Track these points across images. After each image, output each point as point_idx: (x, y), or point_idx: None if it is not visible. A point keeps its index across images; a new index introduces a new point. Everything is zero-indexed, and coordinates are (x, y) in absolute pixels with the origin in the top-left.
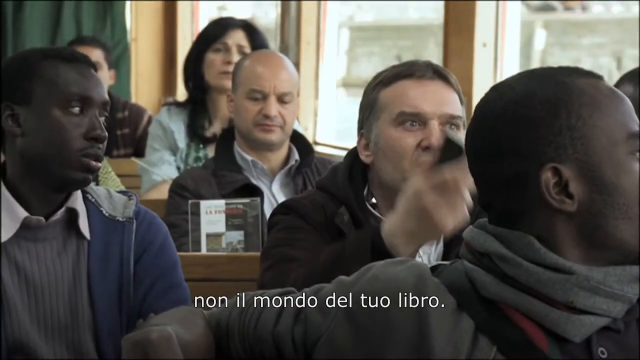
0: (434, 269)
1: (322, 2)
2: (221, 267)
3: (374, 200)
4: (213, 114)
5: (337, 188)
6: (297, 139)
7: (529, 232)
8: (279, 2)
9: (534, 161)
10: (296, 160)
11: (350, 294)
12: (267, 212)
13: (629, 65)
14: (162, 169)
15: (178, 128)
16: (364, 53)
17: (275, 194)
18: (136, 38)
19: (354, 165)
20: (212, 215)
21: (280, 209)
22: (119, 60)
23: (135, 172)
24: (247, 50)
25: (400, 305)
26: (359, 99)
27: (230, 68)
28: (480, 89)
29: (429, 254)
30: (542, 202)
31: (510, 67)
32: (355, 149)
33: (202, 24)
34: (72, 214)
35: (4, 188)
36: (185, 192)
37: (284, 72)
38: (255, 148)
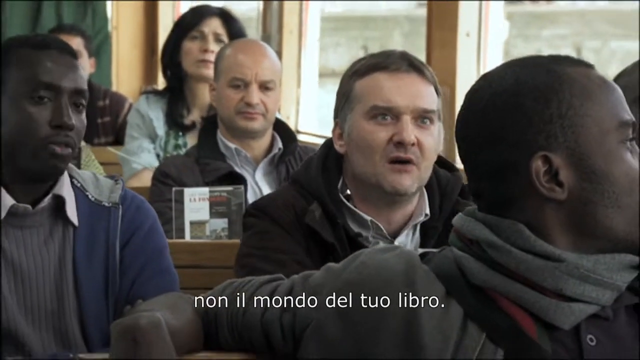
0: (422, 256)
1: None
2: (206, 254)
3: (348, 191)
4: (191, 102)
5: (309, 182)
6: (280, 128)
7: (519, 219)
8: None
9: (524, 149)
10: (279, 149)
11: (339, 281)
12: (251, 200)
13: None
14: (142, 157)
15: (157, 116)
16: (331, 43)
17: (258, 182)
18: (117, 26)
19: (329, 156)
20: (196, 202)
21: (252, 211)
22: (100, 48)
23: (117, 160)
24: (224, 37)
25: (389, 293)
26: (326, 89)
27: (207, 56)
28: (463, 79)
29: (405, 245)
30: (532, 190)
31: (493, 57)
32: (331, 139)
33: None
34: (59, 201)
35: None
36: (169, 179)
37: (266, 60)
38: (238, 136)
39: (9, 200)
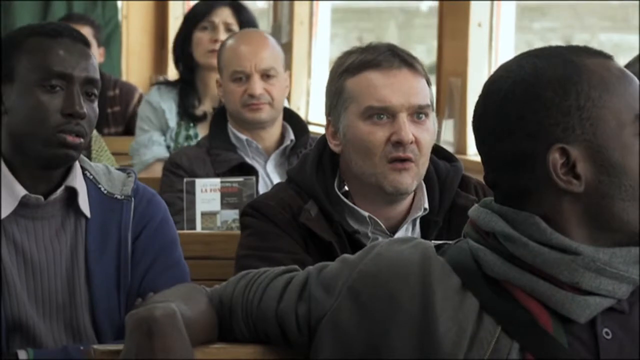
0: (438, 247)
1: None
2: (218, 245)
3: (346, 188)
4: (203, 93)
5: (304, 179)
6: (292, 119)
7: (535, 212)
8: None
9: (541, 141)
10: (291, 140)
11: (355, 272)
12: (262, 191)
13: None
14: (153, 149)
15: (169, 107)
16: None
17: (269, 174)
18: (127, 16)
19: (324, 153)
20: (207, 193)
21: (249, 211)
22: (110, 38)
23: (127, 150)
24: (234, 27)
25: (404, 284)
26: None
27: (217, 46)
28: (475, 70)
29: None
30: (549, 182)
31: (505, 48)
32: (325, 135)
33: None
34: (72, 193)
35: (2, 165)
36: (180, 170)
37: (264, 49)
38: (248, 128)
39: (20, 191)
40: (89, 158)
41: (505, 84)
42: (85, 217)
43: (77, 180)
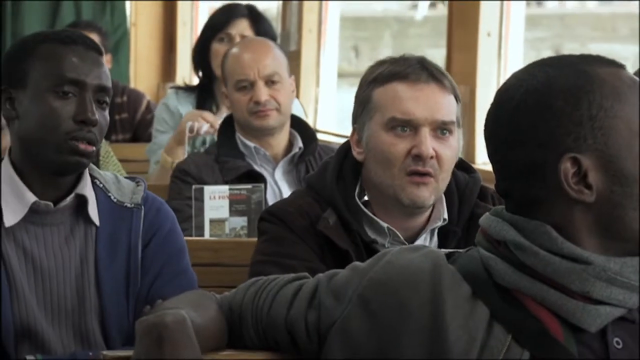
0: (449, 256)
1: None
2: (226, 252)
3: (366, 197)
4: (220, 101)
5: (324, 187)
6: (301, 127)
7: (547, 221)
8: None
9: (553, 150)
10: (300, 148)
11: (365, 280)
12: (270, 199)
13: None
14: None
15: (187, 111)
16: None
17: (277, 181)
18: (136, 23)
19: (345, 162)
20: (216, 200)
21: (266, 217)
22: (119, 45)
23: (135, 157)
24: (255, 36)
25: (415, 293)
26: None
27: None
28: (484, 79)
29: None
30: (560, 191)
31: (514, 58)
32: (347, 143)
33: (202, 8)
34: (81, 200)
35: (12, 172)
36: (188, 177)
37: (265, 55)
38: (256, 135)
39: (30, 197)
40: (97, 164)
41: (517, 92)
42: (95, 224)
43: (86, 189)
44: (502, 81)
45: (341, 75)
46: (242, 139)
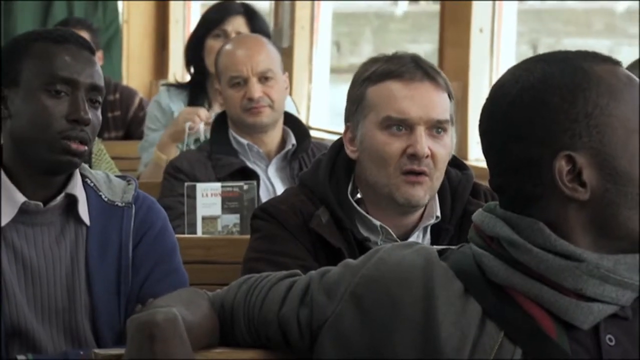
0: (441, 253)
1: None
2: (219, 249)
3: (359, 195)
4: (213, 98)
5: (317, 185)
6: (294, 124)
7: (540, 218)
8: None
9: (548, 148)
10: (293, 145)
11: (357, 277)
12: (263, 196)
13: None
14: None
15: (178, 108)
16: None
17: (271, 178)
18: (128, 20)
19: (338, 159)
20: (208, 198)
21: (259, 214)
22: (111, 42)
23: (128, 155)
24: (249, 33)
25: (407, 290)
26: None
27: None
28: (476, 75)
29: None
30: (554, 189)
31: (506, 54)
32: (340, 140)
33: (194, 6)
34: (71, 200)
35: (1, 172)
36: (181, 174)
37: (259, 52)
38: (249, 132)
39: (20, 198)
40: (89, 163)
41: (513, 88)
42: (85, 224)
43: (77, 188)
44: (494, 77)
45: None
46: (235, 135)
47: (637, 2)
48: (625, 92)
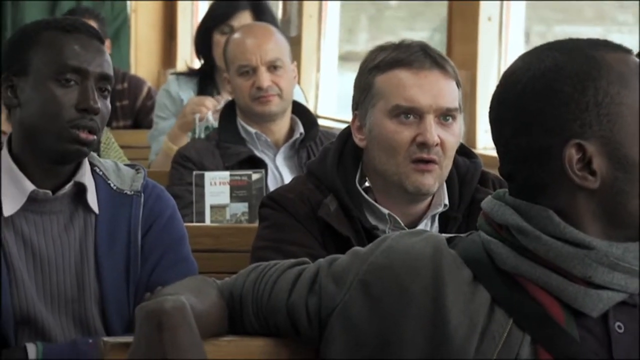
0: (449, 240)
1: None
2: (227, 238)
3: (367, 184)
4: (222, 87)
5: (324, 173)
6: (302, 113)
7: (550, 206)
8: None
9: (558, 136)
10: (301, 134)
11: (366, 265)
12: (271, 184)
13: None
14: None
15: (188, 97)
16: None
17: (279, 167)
18: (136, 9)
19: (345, 148)
20: (217, 186)
21: (268, 203)
22: (119, 32)
23: (136, 144)
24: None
25: (416, 277)
26: None
27: None
28: (484, 64)
29: None
30: (564, 177)
31: (515, 42)
32: (348, 129)
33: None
34: (80, 188)
35: (10, 161)
36: (189, 163)
37: (268, 41)
38: (258, 121)
39: (29, 186)
40: (98, 151)
41: (524, 76)
42: (94, 212)
43: (86, 177)
44: (503, 66)
45: None
46: (243, 124)
47: None
48: (636, 80)
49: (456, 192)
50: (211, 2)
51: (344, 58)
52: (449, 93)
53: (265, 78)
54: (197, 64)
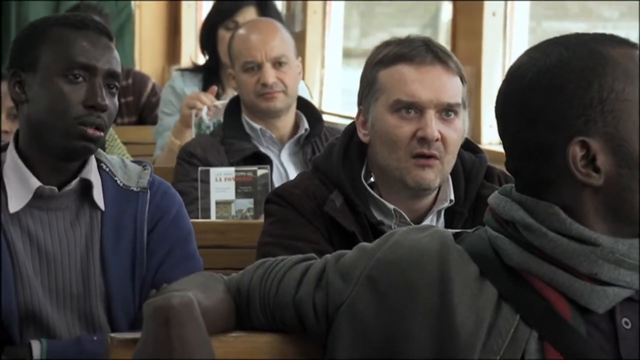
0: (456, 236)
1: None
2: (233, 234)
3: (372, 179)
4: (227, 83)
5: (330, 169)
6: (307, 108)
7: (555, 202)
8: None
9: (562, 133)
10: (306, 130)
11: (373, 260)
12: (276, 180)
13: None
14: None
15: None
16: None
17: (284, 163)
18: (140, 5)
19: (351, 143)
20: (222, 182)
21: (273, 198)
22: (123, 27)
23: (141, 140)
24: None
25: (423, 273)
26: None
27: None
28: (489, 59)
29: None
30: (569, 174)
31: (519, 37)
32: (353, 124)
33: None
34: (86, 185)
35: (17, 157)
36: (194, 159)
37: (273, 37)
38: (262, 117)
39: (35, 182)
40: (104, 148)
41: (529, 72)
42: (100, 209)
43: (92, 173)
44: (507, 61)
45: None
46: (248, 120)
47: None
48: None
49: (462, 187)
50: None
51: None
52: (450, 88)
53: (270, 74)
54: (201, 59)
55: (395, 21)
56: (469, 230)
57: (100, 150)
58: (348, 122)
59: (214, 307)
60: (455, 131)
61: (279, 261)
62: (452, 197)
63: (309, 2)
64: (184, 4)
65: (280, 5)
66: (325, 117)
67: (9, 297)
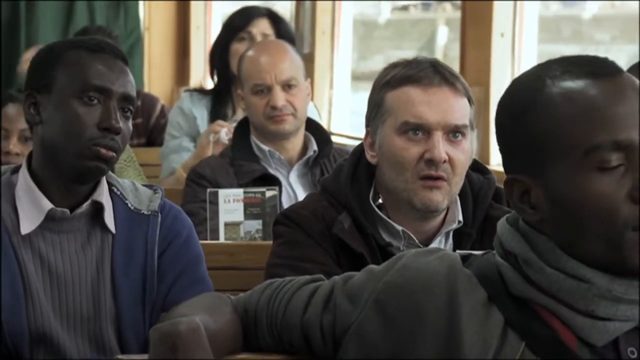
0: (465, 259)
1: None
2: (242, 255)
3: (381, 200)
4: (237, 103)
5: (338, 190)
6: (316, 130)
7: (552, 235)
8: None
9: (510, 165)
10: (314, 151)
11: (381, 283)
12: (285, 202)
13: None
14: (182, 155)
15: (201, 114)
16: None
17: (292, 184)
18: (149, 27)
19: (359, 164)
20: (231, 204)
21: (282, 220)
22: (132, 49)
23: (150, 161)
24: (272, 38)
25: (431, 296)
26: None
27: None
28: (497, 80)
29: None
30: None
31: (528, 58)
32: (361, 146)
33: (215, 12)
34: (98, 207)
35: (29, 178)
36: (203, 180)
37: (282, 60)
38: (271, 139)
39: (47, 204)
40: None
41: (501, 100)
42: (111, 232)
43: (103, 196)
44: None
45: None
46: (256, 142)
47: (602, 9)
48: (572, 118)
49: (470, 208)
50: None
51: None
52: (457, 110)
53: (279, 97)
54: (210, 84)
55: (392, 44)
56: (477, 253)
57: (111, 173)
58: (357, 143)
59: (221, 330)
60: (463, 152)
61: (287, 282)
62: (461, 218)
63: (317, 23)
64: (192, 26)
65: None
66: (333, 139)
67: (20, 319)
